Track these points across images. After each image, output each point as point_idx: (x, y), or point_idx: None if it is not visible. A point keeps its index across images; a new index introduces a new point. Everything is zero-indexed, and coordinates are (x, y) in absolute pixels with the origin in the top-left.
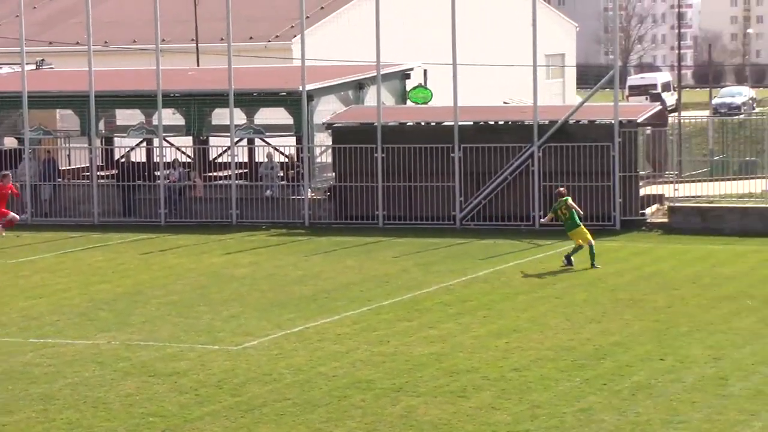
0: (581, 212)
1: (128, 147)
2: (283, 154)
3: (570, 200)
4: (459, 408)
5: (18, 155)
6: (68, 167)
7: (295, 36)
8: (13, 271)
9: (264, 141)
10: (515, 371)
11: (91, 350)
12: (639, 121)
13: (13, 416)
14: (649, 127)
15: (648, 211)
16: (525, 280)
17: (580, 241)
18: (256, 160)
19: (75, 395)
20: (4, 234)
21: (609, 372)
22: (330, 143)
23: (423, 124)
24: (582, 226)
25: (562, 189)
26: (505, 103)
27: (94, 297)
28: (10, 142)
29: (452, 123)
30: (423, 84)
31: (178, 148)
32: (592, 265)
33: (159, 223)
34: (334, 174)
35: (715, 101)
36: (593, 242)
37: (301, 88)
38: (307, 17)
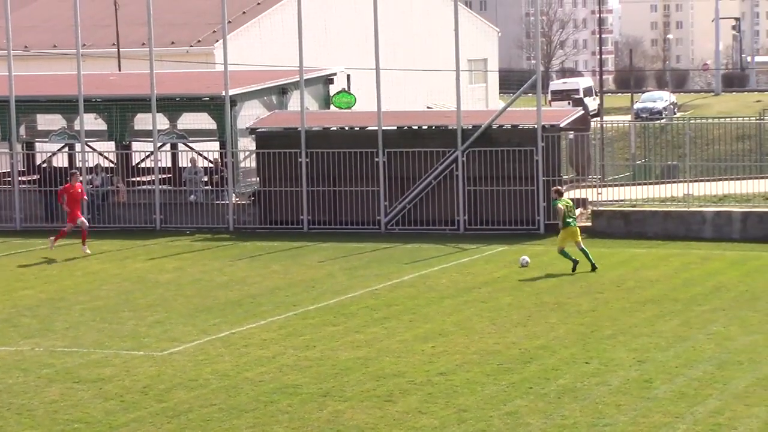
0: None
1: (50, 152)
2: (206, 159)
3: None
4: (386, 412)
5: None
6: None
7: (217, 41)
8: None
9: (187, 146)
10: (442, 375)
11: (15, 357)
12: (562, 125)
13: None
14: (571, 132)
15: None
16: (450, 285)
17: (572, 239)
18: (180, 165)
19: None
20: (53, 242)
21: (535, 375)
22: (254, 148)
23: (347, 128)
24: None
25: (560, 188)
26: (428, 107)
27: (17, 303)
28: None
29: (376, 128)
30: (346, 89)
31: (100, 154)
32: (593, 266)
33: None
34: (258, 179)
35: (636, 106)
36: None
37: (224, 93)
38: (229, 22)
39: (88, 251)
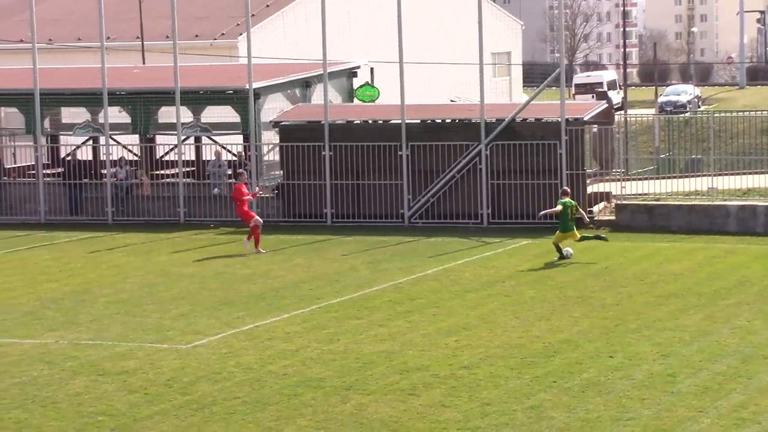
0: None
1: (74, 145)
2: (230, 152)
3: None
4: (409, 406)
5: None
6: (13, 165)
7: (240, 34)
8: None
9: (211, 139)
10: (465, 369)
11: (39, 349)
12: (585, 119)
13: None
14: (595, 125)
15: (595, 208)
16: (474, 278)
17: (570, 240)
18: (204, 159)
19: (23, 395)
20: (263, 250)
21: (558, 369)
22: (277, 141)
23: (370, 122)
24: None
25: (567, 189)
26: (452, 101)
27: (41, 296)
28: None
29: (399, 121)
30: (370, 82)
31: (124, 147)
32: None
33: (106, 221)
34: (281, 172)
35: (660, 99)
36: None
37: (247, 86)
38: (253, 15)
39: (260, 250)
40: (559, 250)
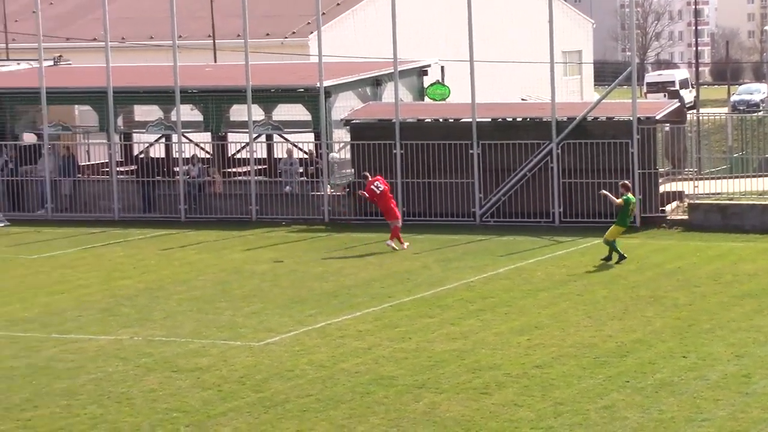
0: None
1: (147, 143)
2: (302, 150)
3: None
4: (482, 405)
5: (37, 151)
6: (88, 163)
7: (311, 32)
8: (34, 267)
9: (282, 137)
10: (538, 368)
11: (114, 346)
12: (657, 117)
13: (38, 411)
14: (667, 124)
15: (668, 208)
16: (545, 277)
17: (613, 236)
18: (275, 156)
19: (98, 390)
20: (405, 245)
21: (631, 369)
22: (348, 139)
23: (441, 120)
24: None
25: (627, 183)
26: (522, 99)
27: (115, 293)
28: (29, 138)
29: (470, 119)
30: (440, 80)
31: (197, 144)
32: (613, 259)
33: (179, 218)
34: (352, 170)
35: (733, 98)
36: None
37: (318, 85)
38: (324, 13)
39: (403, 246)
40: (615, 248)
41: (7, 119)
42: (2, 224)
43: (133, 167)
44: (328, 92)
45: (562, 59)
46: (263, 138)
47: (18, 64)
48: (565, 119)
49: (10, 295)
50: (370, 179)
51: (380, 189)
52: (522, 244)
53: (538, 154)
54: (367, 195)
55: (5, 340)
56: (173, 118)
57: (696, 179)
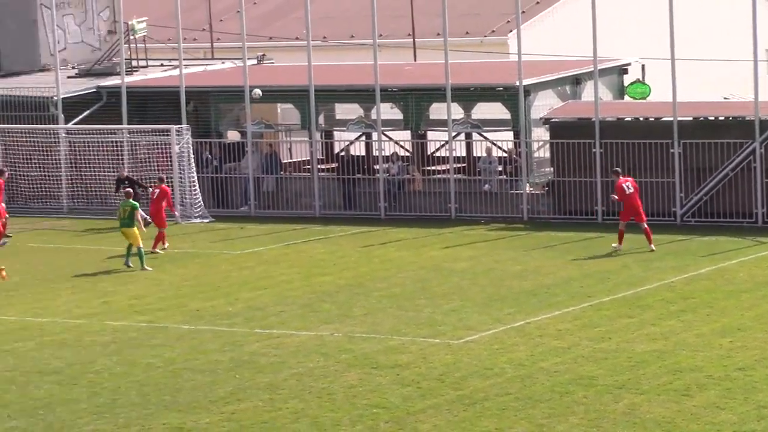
0: None
1: (348, 141)
2: (500, 148)
3: None
4: (683, 407)
5: (241, 148)
6: (290, 160)
7: (510, 31)
8: (237, 263)
9: (481, 135)
10: (740, 371)
11: (315, 341)
12: None
13: (241, 404)
14: None
15: None
16: (748, 278)
17: None
18: (474, 155)
19: (300, 385)
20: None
21: None
22: (547, 138)
23: (641, 119)
24: None
25: None
26: (725, 98)
27: (316, 289)
28: (233, 136)
29: (671, 118)
30: (641, 79)
31: (396, 142)
32: None
33: (379, 216)
34: (552, 169)
35: None
36: None
37: (518, 83)
38: (523, 12)
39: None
40: None
41: (212, 117)
42: (207, 220)
43: (334, 165)
44: (528, 91)
45: (767, 57)
46: (462, 136)
47: (222, 63)
48: None
49: (214, 290)
50: (621, 179)
51: (630, 190)
52: (724, 244)
53: (740, 153)
54: (616, 198)
55: (210, 334)
56: (373, 116)
57: None
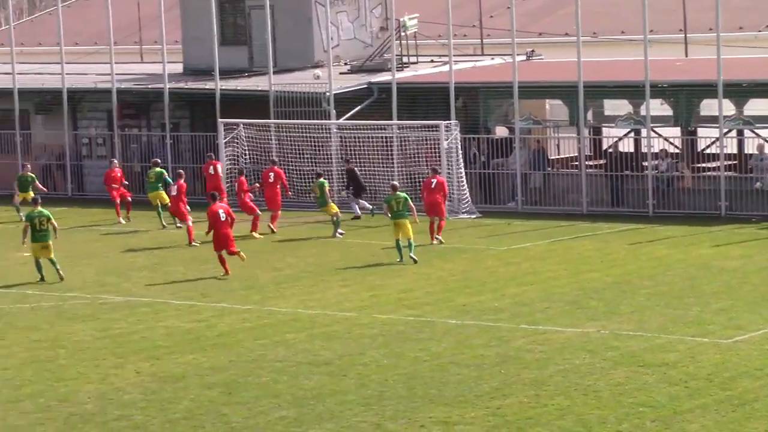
0: None
1: (616, 137)
2: None
3: None
4: None
5: (509, 144)
6: (557, 156)
7: None
8: (504, 258)
9: (754, 132)
10: None
11: (581, 338)
12: None
13: (507, 399)
14: None
15: None
16: None
17: None
18: (746, 152)
19: (565, 382)
20: None
21: None
22: None
23: None
24: None
25: None
26: None
27: (583, 285)
28: (501, 132)
29: None
30: None
31: (665, 139)
32: None
33: (647, 213)
34: None
35: None
36: None
37: None
38: None
39: None
40: None
41: (480, 113)
42: (474, 216)
43: (602, 161)
44: None
45: None
46: (734, 133)
47: (492, 59)
48: None
49: (481, 285)
50: None
51: None
52: None
53: None
54: None
55: (477, 329)
56: (642, 112)
57: None
